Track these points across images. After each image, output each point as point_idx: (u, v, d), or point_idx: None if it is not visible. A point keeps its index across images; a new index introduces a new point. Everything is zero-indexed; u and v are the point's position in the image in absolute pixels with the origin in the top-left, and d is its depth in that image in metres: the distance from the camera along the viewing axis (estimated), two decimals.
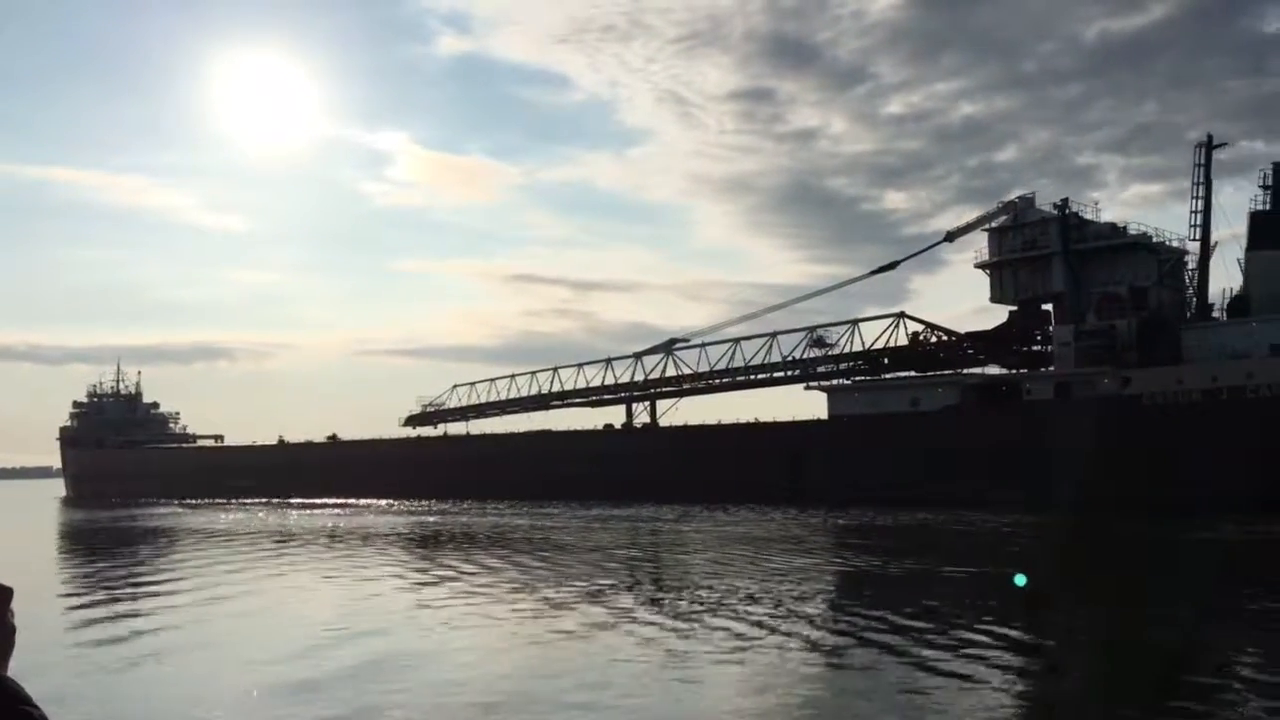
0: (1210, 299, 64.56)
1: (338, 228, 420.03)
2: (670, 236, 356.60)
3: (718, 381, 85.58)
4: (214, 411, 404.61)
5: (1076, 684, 15.94)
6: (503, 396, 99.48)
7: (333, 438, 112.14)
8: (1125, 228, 69.67)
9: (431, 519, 63.20)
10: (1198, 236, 64.60)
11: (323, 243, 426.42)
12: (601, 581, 28.24)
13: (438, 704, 14.77)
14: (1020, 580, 23.54)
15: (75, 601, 27.33)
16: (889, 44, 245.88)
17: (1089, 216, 69.81)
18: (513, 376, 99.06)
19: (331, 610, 24.06)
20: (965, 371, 69.63)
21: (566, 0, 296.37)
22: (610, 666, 17.06)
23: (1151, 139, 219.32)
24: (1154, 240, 67.68)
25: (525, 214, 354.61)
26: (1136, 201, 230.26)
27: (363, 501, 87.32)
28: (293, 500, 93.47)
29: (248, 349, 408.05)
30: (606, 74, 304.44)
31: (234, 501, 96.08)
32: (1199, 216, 64.38)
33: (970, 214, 72.34)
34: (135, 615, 24.46)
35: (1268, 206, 61.60)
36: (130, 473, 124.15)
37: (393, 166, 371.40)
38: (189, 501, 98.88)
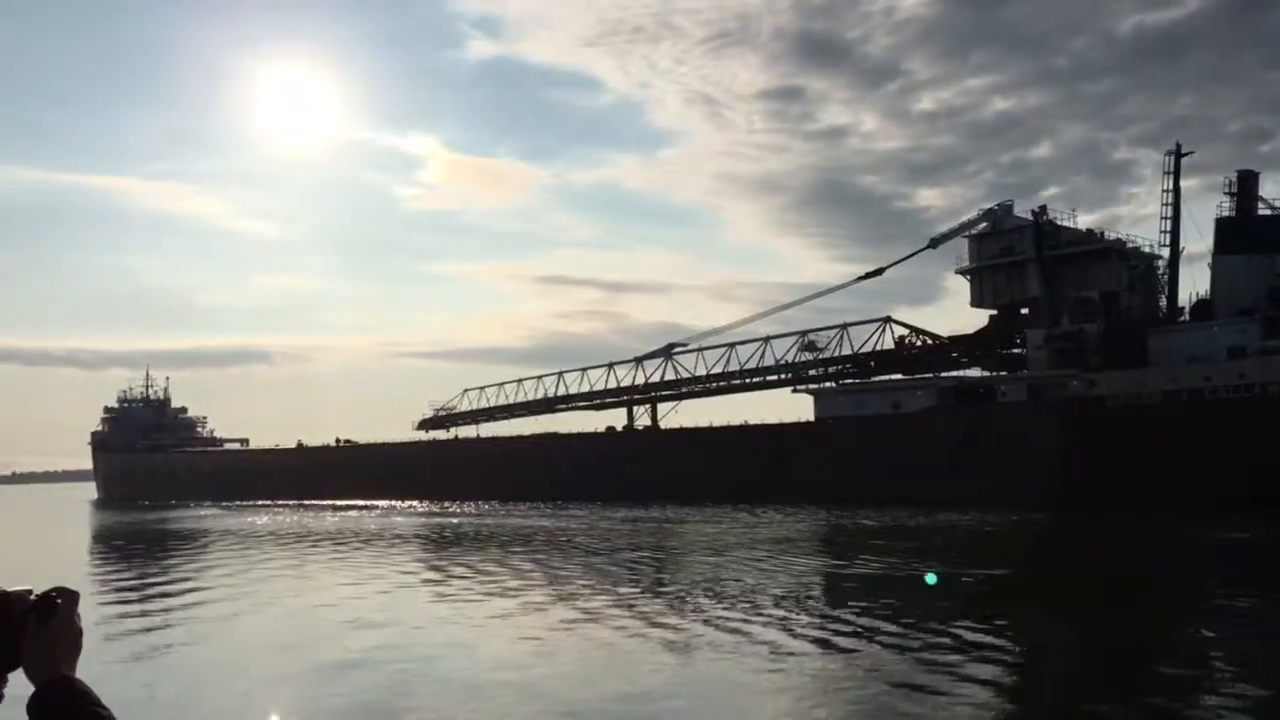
0: (1182, 303, 66.96)
1: (370, 231, 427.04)
2: (700, 237, 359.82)
3: (714, 385, 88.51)
4: (251, 415, 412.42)
5: (1065, 684, 16.62)
6: (511, 400, 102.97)
7: (345, 441, 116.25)
8: (1102, 233, 72.19)
9: (452, 520, 65.33)
10: (1167, 242, 66.91)
11: (355, 246, 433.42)
12: (633, 585, 29.33)
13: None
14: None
15: (111, 603, 28.05)
16: (920, 40, 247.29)
17: (1065, 223, 72.18)
18: (520, 381, 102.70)
19: (371, 613, 24.45)
20: (943, 375, 72.20)
21: (596, 3, 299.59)
22: (647, 669, 17.78)
23: (1188, 133, 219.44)
24: (1127, 246, 70.14)
25: (555, 216, 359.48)
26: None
27: (380, 503, 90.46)
28: (310, 502, 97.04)
29: (284, 353, 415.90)
30: (636, 75, 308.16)
31: (257, 503, 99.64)
32: (1169, 223, 66.68)
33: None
34: (169, 618, 25.32)
35: (1233, 213, 63.85)
36: (158, 476, 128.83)
37: (424, 170, 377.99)
38: (211, 504, 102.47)
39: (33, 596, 1.87)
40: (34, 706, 1.78)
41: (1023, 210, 72.59)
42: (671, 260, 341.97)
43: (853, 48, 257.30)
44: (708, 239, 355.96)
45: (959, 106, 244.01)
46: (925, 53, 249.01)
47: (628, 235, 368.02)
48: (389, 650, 19.27)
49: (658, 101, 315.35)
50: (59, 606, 1.86)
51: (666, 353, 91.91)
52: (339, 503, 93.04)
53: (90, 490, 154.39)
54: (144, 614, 25.88)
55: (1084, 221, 72.18)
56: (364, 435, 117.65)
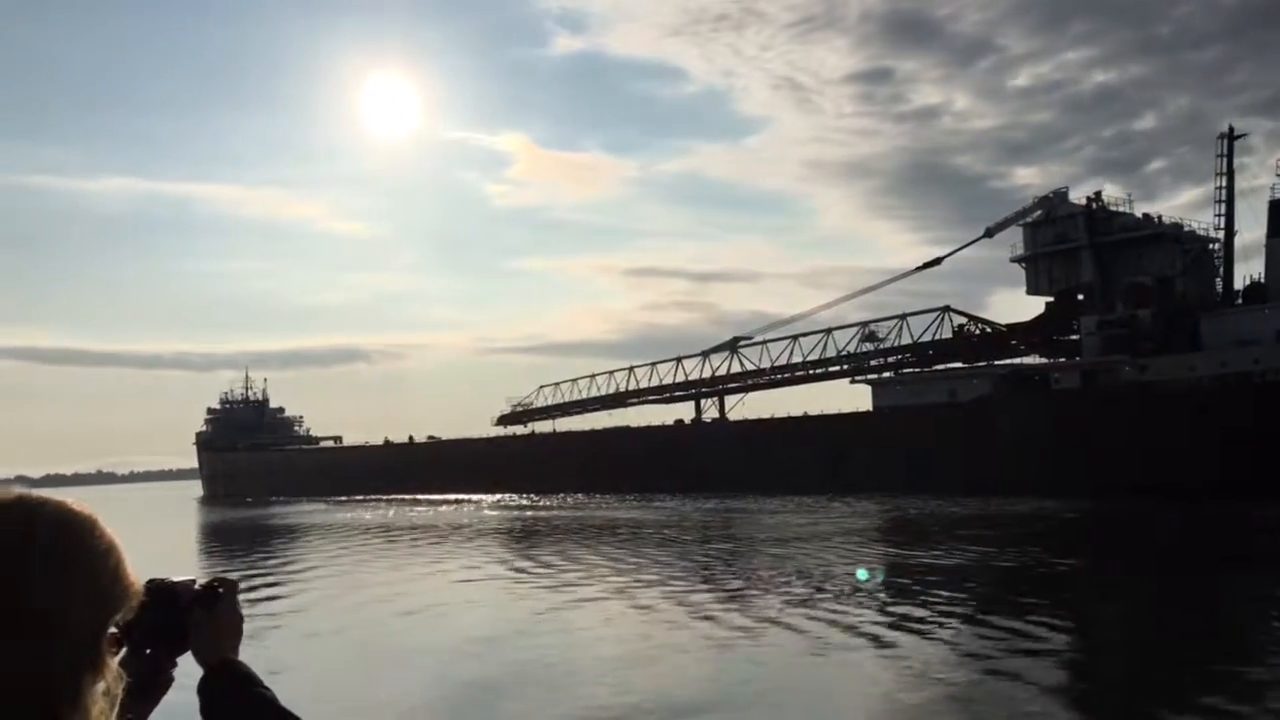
0: (1238, 286, 67.03)
1: (462, 229, 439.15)
2: (789, 224, 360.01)
3: (779, 376, 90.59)
4: (349, 413, 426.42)
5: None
6: (584, 395, 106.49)
7: (429, 438, 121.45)
8: (1159, 218, 72.34)
9: (543, 513, 66.72)
10: (1222, 225, 67.04)
11: (448, 244, 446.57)
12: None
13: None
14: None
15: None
16: (1014, 14, 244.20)
17: (1121, 209, 72.55)
18: (592, 376, 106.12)
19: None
20: (999, 363, 73.21)
21: None
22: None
23: None
24: (1184, 230, 70.25)
25: (642, 208, 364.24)
26: None
27: (467, 496, 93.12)
28: (398, 496, 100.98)
29: (382, 351, 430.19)
30: (721, 64, 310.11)
31: (350, 498, 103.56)
32: (1223, 206, 66.84)
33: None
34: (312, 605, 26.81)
35: None
36: (257, 473, 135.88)
37: (513, 166, 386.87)
38: (308, 499, 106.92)
39: (197, 586, 1.98)
40: (203, 687, 1.90)
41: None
42: (761, 248, 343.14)
43: (943, 26, 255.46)
44: (797, 226, 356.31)
45: (1056, 81, 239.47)
46: (1019, 27, 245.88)
47: (716, 225, 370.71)
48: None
49: (743, 89, 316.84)
50: (221, 595, 1.98)
51: (732, 346, 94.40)
52: (428, 497, 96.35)
53: (197, 488, 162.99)
54: (285, 602, 27.46)
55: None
56: (462, 429, 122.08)
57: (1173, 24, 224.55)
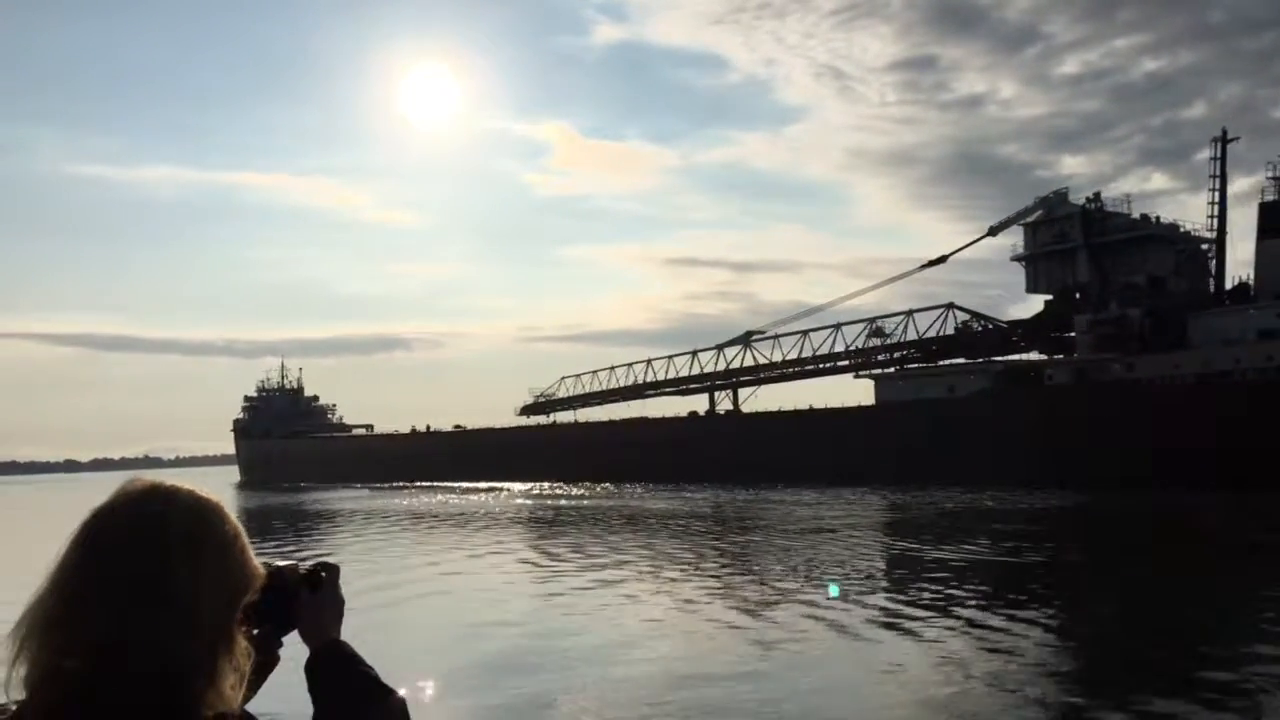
0: (1228, 287, 69.07)
1: (505, 218, 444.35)
2: (830, 214, 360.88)
3: (790, 370, 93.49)
4: (387, 401, 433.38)
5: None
6: (604, 387, 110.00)
7: (455, 427, 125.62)
8: (1157, 219, 74.43)
9: (574, 502, 67.17)
10: (1214, 227, 69.12)
11: (491, 234, 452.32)
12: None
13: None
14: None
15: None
16: (1062, 1, 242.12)
17: (1120, 210, 74.69)
18: (612, 368, 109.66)
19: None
20: (996, 359, 75.72)
21: None
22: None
23: None
24: (1180, 231, 72.36)
25: (684, 197, 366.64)
26: None
27: (498, 484, 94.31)
28: (426, 484, 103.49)
29: (423, 339, 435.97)
30: (763, 52, 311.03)
31: (380, 485, 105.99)
32: (1215, 207, 68.92)
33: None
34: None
35: (1277, 197, 65.65)
36: (291, 460, 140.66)
37: (555, 156, 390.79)
38: (342, 486, 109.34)
39: (302, 570, 2.06)
40: (311, 666, 1.99)
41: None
42: (802, 238, 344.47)
43: (989, 13, 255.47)
44: (839, 215, 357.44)
45: (1105, 68, 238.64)
46: (1067, 14, 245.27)
47: (756, 214, 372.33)
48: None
49: (785, 77, 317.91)
50: (324, 579, 2.07)
51: (745, 340, 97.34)
52: (456, 484, 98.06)
53: (236, 474, 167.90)
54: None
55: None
56: (496, 418, 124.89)
57: (1226, 9, 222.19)
